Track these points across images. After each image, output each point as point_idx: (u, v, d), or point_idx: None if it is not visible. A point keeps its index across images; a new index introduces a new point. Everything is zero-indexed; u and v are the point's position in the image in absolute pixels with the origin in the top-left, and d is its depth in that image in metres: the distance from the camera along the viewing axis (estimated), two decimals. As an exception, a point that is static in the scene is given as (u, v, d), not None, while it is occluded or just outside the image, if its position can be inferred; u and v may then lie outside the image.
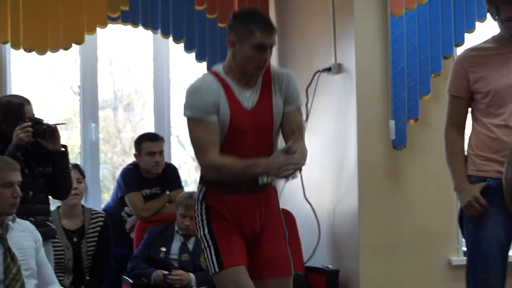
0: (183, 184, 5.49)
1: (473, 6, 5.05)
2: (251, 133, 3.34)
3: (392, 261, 5.04)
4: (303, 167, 3.27)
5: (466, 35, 5.14)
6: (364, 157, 5.03)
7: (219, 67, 3.46)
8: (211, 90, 3.32)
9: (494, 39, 3.91)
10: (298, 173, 3.28)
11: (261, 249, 3.39)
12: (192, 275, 4.70)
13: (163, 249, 4.88)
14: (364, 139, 5.05)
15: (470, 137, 3.96)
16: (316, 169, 5.32)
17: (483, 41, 4.09)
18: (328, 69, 5.25)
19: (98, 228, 4.87)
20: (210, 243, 3.34)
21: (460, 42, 5.06)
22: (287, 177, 3.25)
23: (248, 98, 3.37)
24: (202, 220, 3.38)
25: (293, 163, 3.18)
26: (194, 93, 3.35)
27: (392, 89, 5.01)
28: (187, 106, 3.35)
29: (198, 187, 3.49)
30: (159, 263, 4.81)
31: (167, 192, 5.31)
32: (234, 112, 3.33)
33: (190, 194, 4.73)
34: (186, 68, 6.07)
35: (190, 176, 6.63)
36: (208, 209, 3.39)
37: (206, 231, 3.36)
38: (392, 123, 4.99)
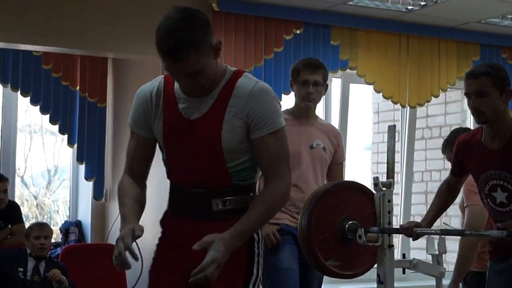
0: (24, 219, 5.82)
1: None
2: (193, 151, 2.70)
3: None
4: None
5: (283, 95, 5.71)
6: None
7: None
8: (145, 98, 2.81)
9: (289, 111, 4.45)
10: None
11: None
12: None
13: (21, 269, 5.19)
14: None
15: (259, 189, 4.56)
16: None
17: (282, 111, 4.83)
18: None
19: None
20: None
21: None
22: None
23: (195, 107, 2.70)
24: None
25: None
26: (135, 99, 2.88)
27: None
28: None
29: None
30: (19, 282, 5.12)
31: (9, 226, 5.64)
32: (168, 122, 2.73)
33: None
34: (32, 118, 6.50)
35: (31, 212, 6.81)
36: (160, 234, 2.96)
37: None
38: None
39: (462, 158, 3.74)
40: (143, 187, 2.90)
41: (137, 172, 2.88)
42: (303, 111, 4.51)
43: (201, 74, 2.57)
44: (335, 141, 4.58)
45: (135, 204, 2.81)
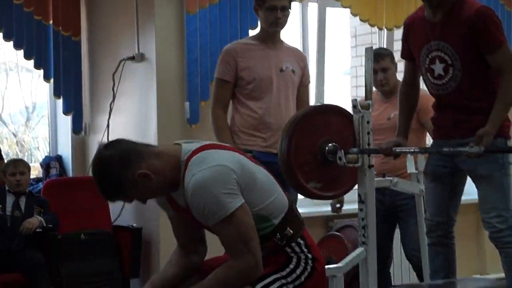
0: (4, 157, 5.77)
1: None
2: None
3: None
4: None
5: (250, 31, 5.56)
6: (164, 133, 5.42)
7: None
8: None
9: (256, 37, 4.55)
10: None
11: None
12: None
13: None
14: (163, 118, 5.45)
15: (233, 117, 4.51)
16: None
17: (247, 38, 4.72)
18: (132, 58, 5.62)
19: None
20: None
21: (245, 37, 5.24)
22: None
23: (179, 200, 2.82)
24: None
25: None
26: None
27: (187, 76, 5.46)
28: None
29: None
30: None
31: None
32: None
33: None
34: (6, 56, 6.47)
35: (12, 150, 6.82)
36: None
37: None
38: (187, 104, 5.46)
39: (407, 36, 3.84)
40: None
41: None
42: (271, 36, 4.53)
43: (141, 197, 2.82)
44: (302, 64, 4.65)
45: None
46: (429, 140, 4.67)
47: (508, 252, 3.56)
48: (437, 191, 3.80)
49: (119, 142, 2.79)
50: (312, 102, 6.17)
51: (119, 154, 2.71)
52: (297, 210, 3.01)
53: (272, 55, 4.52)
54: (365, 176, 3.90)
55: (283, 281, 2.84)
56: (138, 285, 5.65)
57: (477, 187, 3.67)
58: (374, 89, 4.41)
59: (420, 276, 4.69)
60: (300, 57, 4.69)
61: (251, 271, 2.75)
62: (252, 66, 4.43)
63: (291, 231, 2.87)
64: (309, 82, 4.82)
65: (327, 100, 6.14)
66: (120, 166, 2.69)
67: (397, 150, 3.88)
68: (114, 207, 5.74)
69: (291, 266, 2.87)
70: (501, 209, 3.55)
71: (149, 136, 5.56)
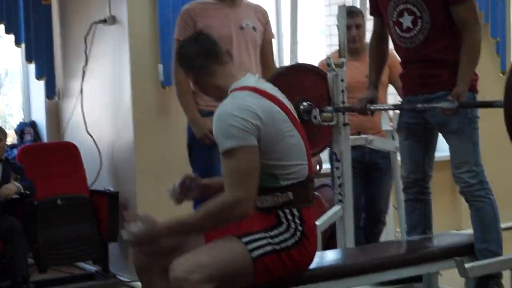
0: None
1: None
2: None
3: (164, 183, 5.42)
4: None
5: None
6: (138, 95, 5.39)
7: None
8: None
9: None
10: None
11: None
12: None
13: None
14: (137, 81, 5.39)
15: None
16: (96, 107, 5.78)
17: None
18: (104, 21, 5.53)
19: None
20: None
21: None
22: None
23: None
24: None
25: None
26: None
27: (160, 38, 5.38)
28: None
29: None
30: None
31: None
32: None
33: None
34: None
35: None
36: None
37: None
38: (160, 66, 5.39)
39: None
40: None
41: None
42: None
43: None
44: (263, 20, 4.58)
45: None
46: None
47: (478, 205, 3.60)
48: (411, 148, 3.82)
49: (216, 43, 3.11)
50: (287, 61, 6.18)
51: (212, 45, 3.09)
52: (311, 190, 3.02)
53: (231, 13, 4.46)
54: (340, 135, 3.91)
55: (270, 240, 2.86)
56: (117, 248, 5.66)
57: (447, 142, 3.69)
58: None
59: (369, 237, 4.85)
60: (261, 13, 4.61)
61: (240, 206, 2.79)
62: (210, 25, 4.34)
63: (292, 198, 2.90)
64: (273, 37, 4.76)
65: (302, 60, 6.11)
66: (205, 52, 3.03)
67: (372, 107, 3.89)
68: (91, 172, 5.73)
69: (280, 230, 2.89)
70: (471, 164, 3.58)
71: (123, 98, 5.54)
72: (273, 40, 4.71)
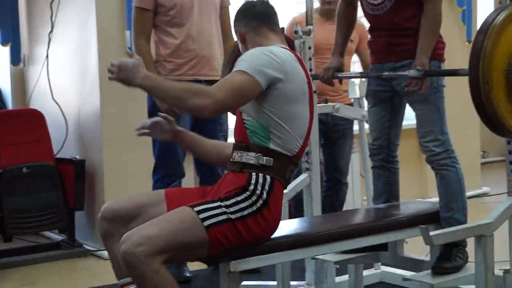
0: None
1: None
2: None
3: (131, 151, 5.40)
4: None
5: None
6: (104, 62, 4.88)
7: None
8: None
9: None
10: None
11: None
12: None
13: None
14: (104, 47, 5.35)
15: (157, 47, 4.47)
16: (62, 74, 5.73)
17: None
18: None
19: None
20: None
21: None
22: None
23: None
24: None
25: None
26: None
27: (126, 4, 5.31)
28: None
29: None
30: None
31: None
32: None
33: None
34: None
35: None
36: None
37: None
38: (127, 33, 5.26)
39: None
40: None
41: None
42: None
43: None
44: None
45: None
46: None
47: (443, 173, 3.62)
48: (379, 115, 3.82)
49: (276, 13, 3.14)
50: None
51: (271, 13, 3.11)
52: (291, 173, 3.02)
53: None
54: (307, 103, 3.89)
55: (225, 209, 2.82)
56: (83, 217, 5.65)
57: (414, 110, 3.69)
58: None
59: (334, 203, 4.95)
60: None
61: (211, 100, 2.77)
62: None
63: (271, 165, 2.89)
64: (230, 4, 4.78)
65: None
66: (265, 15, 3.08)
67: (339, 75, 3.88)
68: (57, 140, 5.68)
69: (238, 198, 2.84)
70: (437, 133, 3.58)
71: (90, 65, 5.51)
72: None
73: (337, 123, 4.94)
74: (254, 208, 2.84)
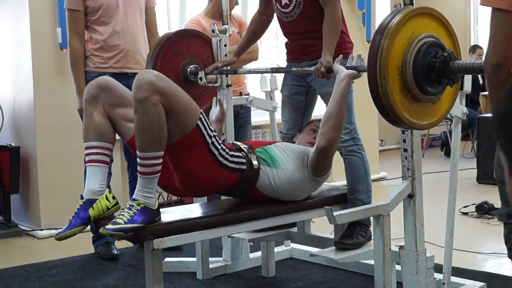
0: None
1: None
2: None
3: (62, 138, 5.35)
4: None
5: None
6: (37, 57, 5.27)
7: None
8: None
9: None
10: None
11: None
12: None
13: None
14: (37, 44, 5.27)
15: (87, 43, 4.39)
16: None
17: None
18: None
19: None
20: None
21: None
22: None
23: None
24: None
25: None
26: None
27: (58, 2, 5.24)
28: None
29: None
30: None
31: None
32: None
33: None
34: None
35: None
36: None
37: None
38: (59, 30, 5.28)
39: None
40: None
41: None
42: None
43: None
44: None
45: None
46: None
47: (350, 159, 3.64)
48: (292, 107, 3.83)
49: None
50: (177, 27, 6.07)
51: None
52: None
53: None
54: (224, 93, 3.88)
55: (214, 140, 2.94)
56: (18, 200, 5.54)
57: (325, 103, 3.69)
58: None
59: None
60: None
61: None
62: None
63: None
64: (156, 4, 4.73)
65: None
66: None
67: (251, 70, 3.87)
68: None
69: (233, 152, 3.08)
70: (346, 122, 3.60)
71: (24, 59, 5.39)
72: (164, 6, 4.66)
73: (239, 112, 4.86)
74: (235, 164, 3.04)
